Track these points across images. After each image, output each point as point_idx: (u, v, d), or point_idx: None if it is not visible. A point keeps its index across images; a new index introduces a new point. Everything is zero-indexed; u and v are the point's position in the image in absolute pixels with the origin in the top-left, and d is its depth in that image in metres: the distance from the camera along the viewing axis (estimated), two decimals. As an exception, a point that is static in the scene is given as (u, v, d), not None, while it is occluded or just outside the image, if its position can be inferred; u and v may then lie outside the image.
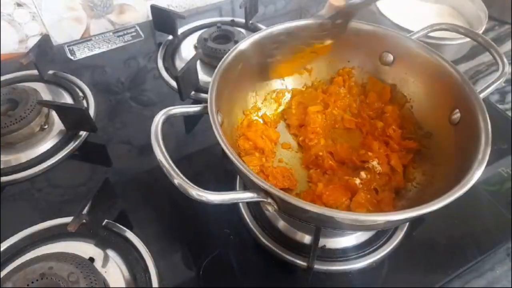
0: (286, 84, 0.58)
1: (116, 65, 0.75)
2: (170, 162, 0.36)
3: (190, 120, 0.65)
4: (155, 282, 0.45)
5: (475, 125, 0.41)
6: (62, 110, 0.59)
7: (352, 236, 0.50)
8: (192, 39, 0.79)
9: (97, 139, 0.62)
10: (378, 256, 0.49)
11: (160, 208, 0.54)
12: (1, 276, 0.42)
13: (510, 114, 0.68)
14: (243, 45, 0.50)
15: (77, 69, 0.74)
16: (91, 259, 0.46)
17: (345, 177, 0.50)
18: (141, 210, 0.53)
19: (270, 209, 0.37)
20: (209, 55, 0.71)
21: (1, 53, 0.75)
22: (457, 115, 0.46)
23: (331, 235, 0.50)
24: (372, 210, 0.47)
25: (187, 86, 0.63)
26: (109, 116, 0.66)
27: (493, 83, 0.48)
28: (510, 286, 0.49)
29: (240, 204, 0.53)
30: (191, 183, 0.35)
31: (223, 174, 0.57)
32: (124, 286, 0.45)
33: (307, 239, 0.50)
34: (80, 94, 0.68)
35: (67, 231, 0.43)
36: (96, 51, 0.78)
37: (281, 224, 0.51)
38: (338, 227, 0.43)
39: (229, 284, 0.47)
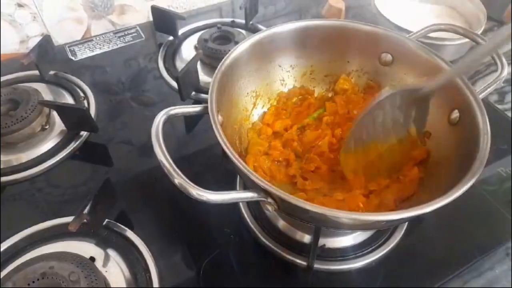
0: (287, 83, 0.59)
1: (116, 65, 0.75)
2: (171, 161, 0.37)
3: (191, 120, 0.65)
4: (155, 281, 0.45)
5: (474, 126, 0.41)
6: (63, 110, 0.59)
7: (352, 236, 0.50)
8: (193, 39, 0.79)
9: (98, 139, 0.62)
10: (378, 256, 0.49)
11: (160, 208, 0.54)
12: (2, 276, 0.42)
13: (509, 114, 0.68)
14: (243, 46, 0.50)
15: (78, 69, 0.74)
16: (92, 259, 0.46)
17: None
18: (141, 210, 0.53)
19: (270, 209, 0.37)
20: (210, 56, 0.71)
21: (2, 53, 0.75)
22: (456, 115, 0.46)
23: (331, 235, 0.50)
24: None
25: (188, 87, 0.64)
26: (110, 116, 0.66)
27: (492, 83, 0.48)
28: (510, 286, 0.49)
29: (240, 204, 0.53)
30: (191, 183, 0.35)
31: (223, 174, 0.57)
32: (125, 286, 0.45)
33: (307, 238, 0.50)
34: (81, 94, 0.68)
35: (68, 231, 0.44)
36: (97, 51, 0.78)
37: (281, 223, 0.51)
38: (338, 227, 0.43)
39: (229, 283, 0.47)
